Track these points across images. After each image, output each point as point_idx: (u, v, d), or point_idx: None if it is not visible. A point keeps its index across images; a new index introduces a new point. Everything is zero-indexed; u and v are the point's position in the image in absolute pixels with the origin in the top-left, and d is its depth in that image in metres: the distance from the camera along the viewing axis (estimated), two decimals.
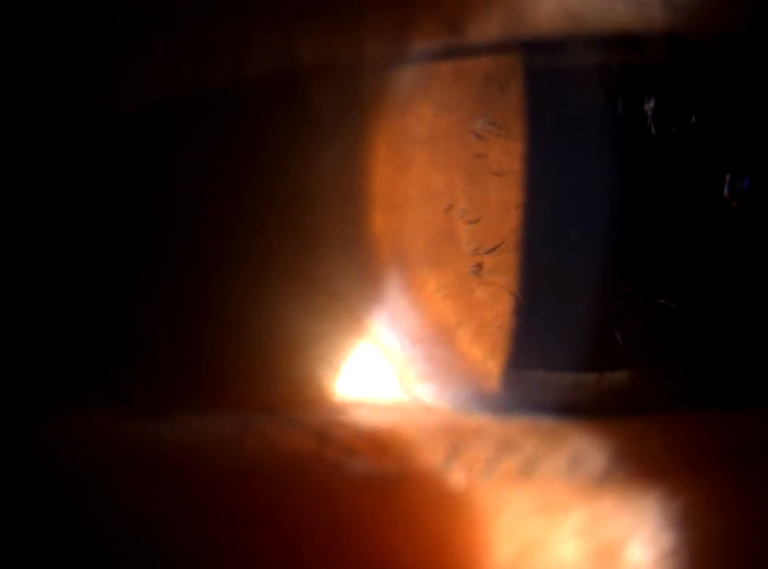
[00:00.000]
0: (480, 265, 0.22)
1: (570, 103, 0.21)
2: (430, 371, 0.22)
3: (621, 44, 0.20)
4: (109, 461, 0.21)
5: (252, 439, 0.21)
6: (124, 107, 0.21)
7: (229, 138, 0.21)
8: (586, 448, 0.21)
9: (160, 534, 0.21)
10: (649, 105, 0.21)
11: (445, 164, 0.22)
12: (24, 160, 0.21)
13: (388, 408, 0.22)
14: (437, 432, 0.21)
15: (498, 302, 0.22)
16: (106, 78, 0.21)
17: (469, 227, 0.22)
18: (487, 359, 0.22)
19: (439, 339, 0.22)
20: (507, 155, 0.22)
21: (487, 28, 0.20)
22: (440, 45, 0.20)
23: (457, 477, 0.20)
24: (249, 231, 0.22)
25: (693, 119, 0.21)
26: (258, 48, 0.20)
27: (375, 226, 0.22)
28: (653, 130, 0.21)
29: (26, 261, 0.22)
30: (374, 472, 0.21)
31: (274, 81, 0.21)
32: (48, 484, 0.21)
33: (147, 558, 0.21)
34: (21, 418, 0.22)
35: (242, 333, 0.22)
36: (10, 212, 0.22)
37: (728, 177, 0.21)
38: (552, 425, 0.21)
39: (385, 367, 0.22)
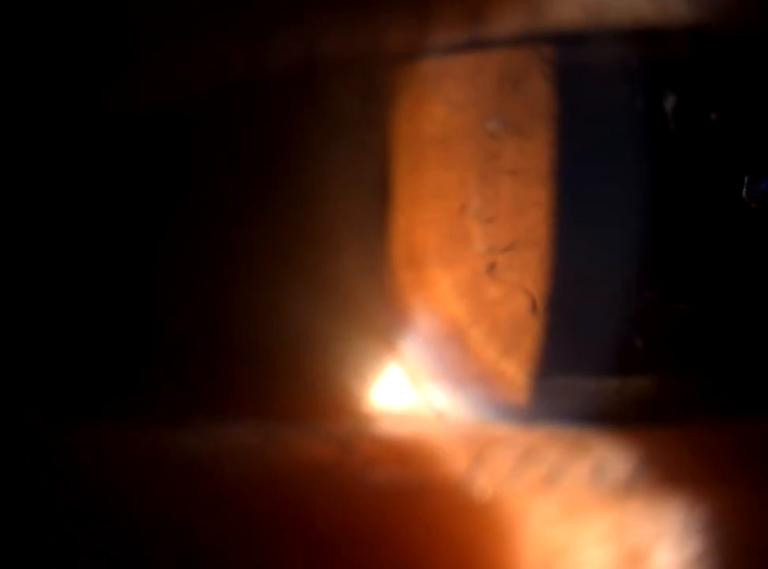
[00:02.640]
0: (494, 264, 0.22)
1: (589, 101, 0.21)
2: (442, 370, 0.22)
3: (642, 38, 0.20)
4: (134, 469, 0.21)
5: (274, 448, 0.21)
6: (142, 104, 0.20)
7: (246, 135, 0.21)
8: (610, 456, 0.21)
9: (183, 542, 0.21)
10: (670, 101, 0.21)
11: (458, 163, 0.22)
12: (42, 162, 0.21)
13: (411, 417, 0.22)
14: (460, 442, 0.21)
15: (512, 301, 0.22)
16: (124, 75, 0.20)
17: (483, 226, 0.22)
18: (501, 359, 0.22)
19: (452, 338, 0.22)
20: (521, 154, 0.21)
21: (508, 20, 0.20)
22: (461, 37, 0.20)
23: (481, 486, 0.20)
24: (261, 231, 0.21)
25: (713, 117, 0.21)
26: (278, 41, 0.20)
27: (388, 225, 0.22)
28: (673, 126, 0.21)
29: (48, 269, 0.21)
30: (398, 482, 0.20)
31: (294, 74, 0.20)
32: (75, 493, 0.21)
33: (171, 565, 0.21)
34: (48, 427, 0.21)
35: (256, 337, 0.21)
36: (29, 218, 0.21)
37: (746, 178, 0.21)
38: (576, 433, 0.21)
39: (397, 367, 0.22)
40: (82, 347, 0.22)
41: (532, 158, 0.21)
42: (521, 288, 0.22)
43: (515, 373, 0.22)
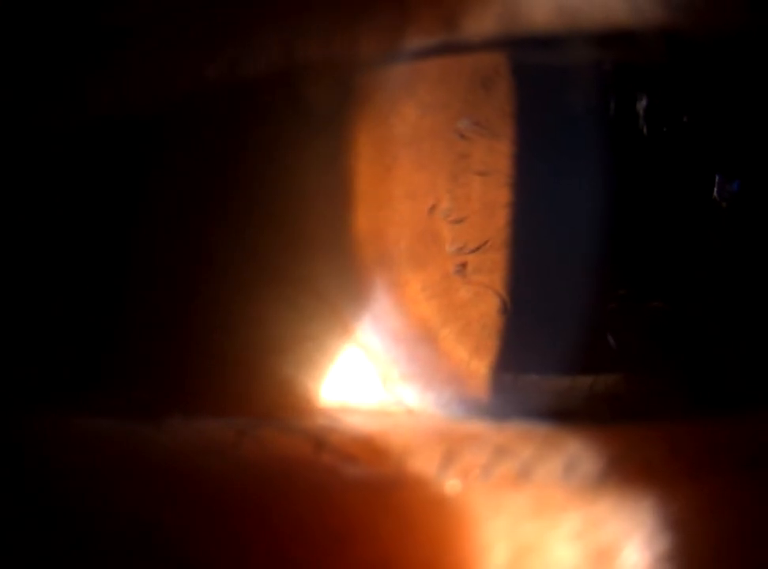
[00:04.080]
0: (464, 265, 0.22)
1: (560, 102, 0.21)
2: (414, 371, 0.22)
3: (615, 41, 0.20)
4: (108, 464, 0.21)
5: (249, 444, 0.20)
6: (121, 107, 0.20)
7: (221, 138, 0.21)
8: (582, 453, 0.21)
9: (158, 537, 0.21)
10: (642, 104, 0.21)
11: (429, 164, 0.22)
12: (20, 162, 0.21)
13: (383, 414, 0.22)
14: (433, 438, 0.21)
15: (482, 301, 0.22)
16: (104, 78, 0.20)
17: (453, 226, 0.22)
18: (472, 360, 0.22)
19: (423, 339, 0.22)
20: (491, 155, 0.22)
21: (483, 24, 0.20)
22: (436, 41, 0.20)
23: (452, 483, 0.20)
24: (235, 232, 0.21)
25: (685, 119, 0.21)
26: (256, 45, 0.20)
27: (359, 226, 0.22)
28: (644, 129, 0.21)
29: (24, 263, 0.21)
30: (370, 478, 0.20)
31: (271, 78, 0.20)
32: (48, 487, 0.21)
33: (145, 560, 0.21)
34: (21, 421, 0.21)
35: (229, 335, 0.21)
36: (6, 214, 0.21)
37: (717, 179, 0.21)
38: (548, 431, 0.21)
39: (369, 367, 0.22)
40: (56, 342, 0.21)
41: (502, 159, 0.22)
42: (491, 288, 0.22)
43: (486, 372, 0.22)
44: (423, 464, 0.21)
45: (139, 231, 0.21)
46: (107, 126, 0.21)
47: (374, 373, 0.22)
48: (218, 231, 0.21)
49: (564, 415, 0.21)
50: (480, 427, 0.21)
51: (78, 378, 0.22)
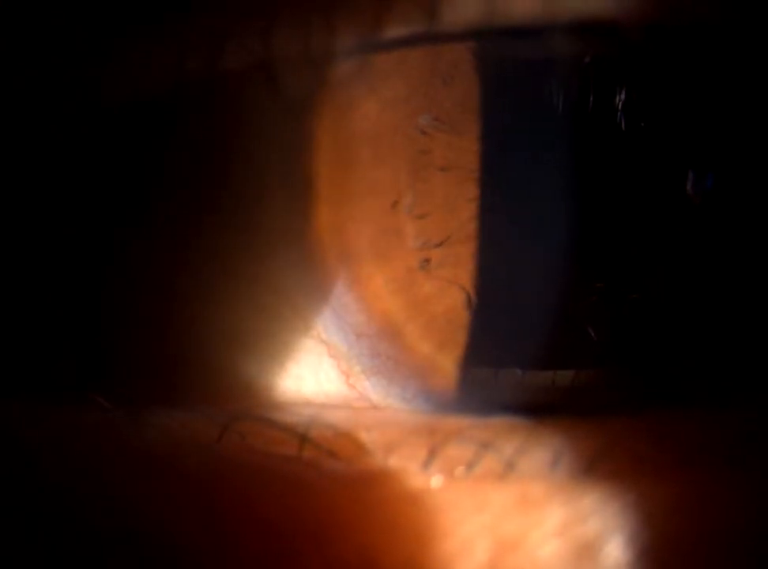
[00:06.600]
0: (427, 260, 0.22)
1: (528, 96, 0.21)
2: (377, 366, 0.22)
3: (594, 33, 0.20)
4: (93, 459, 0.21)
5: (232, 439, 0.21)
6: (106, 100, 0.20)
7: (202, 130, 0.21)
8: (565, 447, 0.20)
9: (144, 529, 0.21)
10: (618, 97, 0.21)
11: (390, 160, 0.22)
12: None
13: (366, 409, 0.22)
14: (416, 434, 0.21)
15: (447, 296, 0.22)
16: (90, 73, 0.20)
17: (416, 222, 0.22)
18: (436, 355, 0.22)
19: (387, 334, 0.22)
20: (452, 150, 0.22)
21: (463, 15, 0.20)
22: (415, 32, 0.20)
23: (436, 477, 0.20)
24: (196, 230, 0.22)
25: (661, 114, 0.21)
26: (235, 38, 0.20)
27: (321, 222, 0.22)
28: (621, 122, 0.21)
29: (10, 261, 0.22)
30: (353, 473, 0.20)
31: (249, 70, 0.20)
32: (33, 483, 0.21)
33: (132, 552, 0.21)
34: (6, 417, 0.21)
35: (196, 332, 0.22)
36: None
37: (690, 175, 0.21)
38: (531, 425, 0.21)
39: (331, 363, 0.22)
40: (40, 340, 0.22)
41: (463, 154, 0.22)
42: (456, 283, 0.22)
43: (454, 367, 0.22)
44: (406, 459, 0.20)
45: (117, 232, 0.22)
46: (92, 118, 0.21)
47: (336, 369, 0.22)
48: (180, 229, 0.21)
49: (546, 409, 0.21)
50: (463, 422, 0.21)
51: (64, 374, 0.22)
